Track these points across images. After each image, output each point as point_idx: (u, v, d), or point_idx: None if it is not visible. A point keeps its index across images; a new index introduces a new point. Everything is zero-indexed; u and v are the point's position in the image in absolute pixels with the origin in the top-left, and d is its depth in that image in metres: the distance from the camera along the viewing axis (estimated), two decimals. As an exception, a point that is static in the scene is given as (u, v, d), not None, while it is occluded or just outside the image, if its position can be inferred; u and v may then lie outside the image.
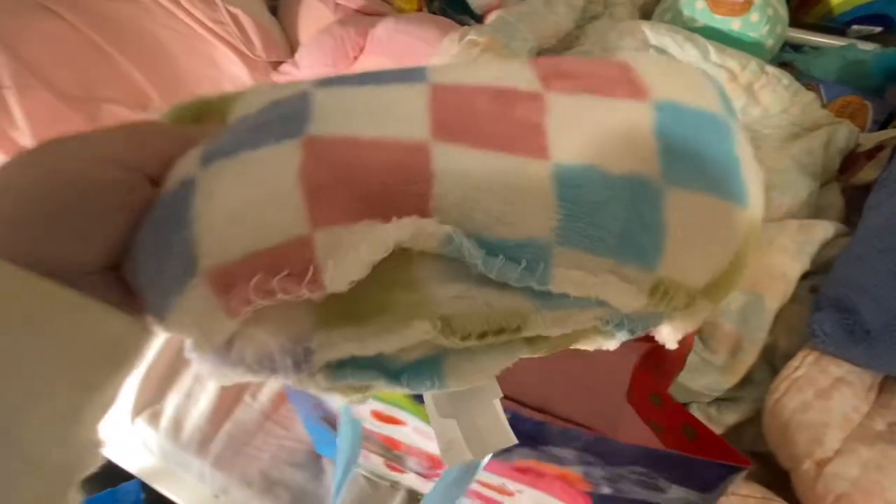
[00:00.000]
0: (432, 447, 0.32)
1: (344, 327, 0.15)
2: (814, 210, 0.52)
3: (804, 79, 0.65)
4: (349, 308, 0.15)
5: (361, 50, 0.67)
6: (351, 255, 0.14)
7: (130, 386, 0.50)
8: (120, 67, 0.58)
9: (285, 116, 0.16)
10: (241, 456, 0.47)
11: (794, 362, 0.40)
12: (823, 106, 0.62)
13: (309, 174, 0.15)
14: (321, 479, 0.46)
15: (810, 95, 0.61)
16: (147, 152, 0.16)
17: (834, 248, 0.46)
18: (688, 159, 0.16)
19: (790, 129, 0.60)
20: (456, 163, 0.15)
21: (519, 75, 0.18)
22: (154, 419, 0.49)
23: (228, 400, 0.50)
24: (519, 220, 0.15)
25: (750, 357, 0.43)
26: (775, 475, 0.41)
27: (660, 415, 0.30)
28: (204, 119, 0.19)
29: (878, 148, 0.55)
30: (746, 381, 0.44)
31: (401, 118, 0.16)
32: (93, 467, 0.16)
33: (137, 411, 0.50)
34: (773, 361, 0.45)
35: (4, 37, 0.52)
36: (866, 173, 0.54)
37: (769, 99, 0.61)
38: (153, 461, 0.51)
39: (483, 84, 0.17)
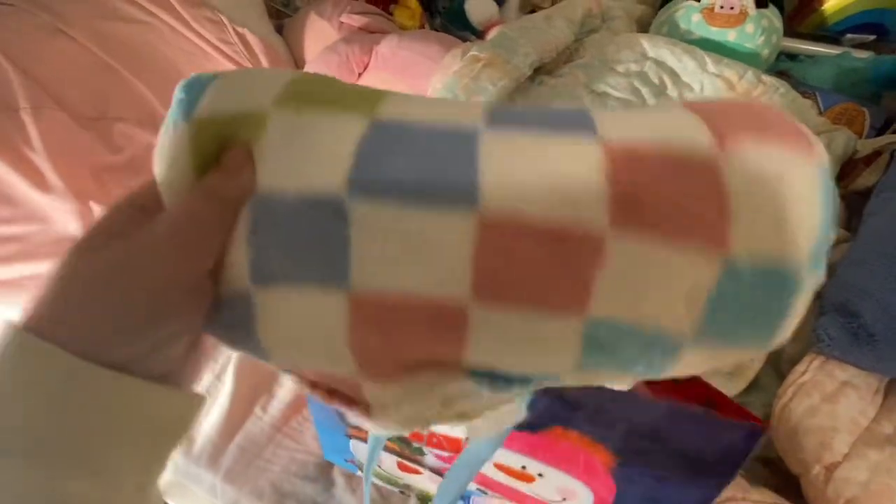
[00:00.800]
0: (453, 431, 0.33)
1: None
2: (815, 216, 0.53)
3: (801, 87, 0.66)
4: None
5: (366, 67, 0.68)
6: (393, 413, 0.17)
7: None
8: (131, 87, 0.59)
9: (324, 252, 0.16)
10: (252, 469, 0.47)
11: (801, 367, 0.40)
12: (820, 114, 0.63)
13: (356, 336, 0.16)
14: (332, 491, 0.46)
15: (807, 103, 0.61)
16: (201, 264, 0.17)
17: (835, 253, 0.46)
18: (729, 324, 0.16)
19: (788, 136, 0.61)
20: (493, 322, 0.16)
21: (588, 199, 0.15)
22: (166, 433, 0.50)
23: (239, 413, 0.51)
24: (543, 365, 0.17)
25: (756, 363, 0.43)
26: (785, 480, 0.41)
27: (677, 391, 0.30)
28: (227, 143, 0.18)
29: (876, 153, 0.56)
30: (753, 386, 0.44)
31: (441, 269, 0.15)
32: None
33: (149, 425, 0.50)
34: (779, 367, 0.45)
35: (20, 59, 0.53)
36: (865, 179, 0.54)
37: (767, 107, 0.62)
38: (164, 475, 0.51)
39: (540, 223, 0.15)
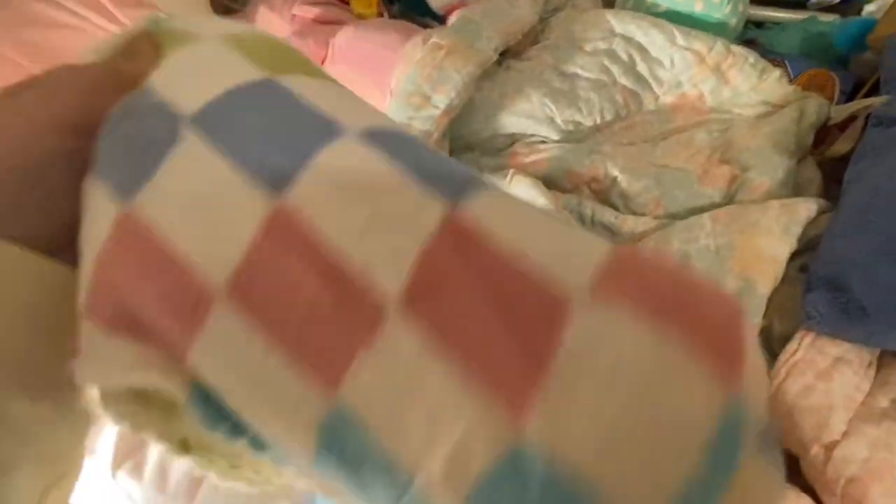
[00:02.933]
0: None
1: None
2: (793, 187, 0.52)
3: (769, 55, 0.65)
4: None
5: (323, 60, 0.65)
6: (91, 363, 0.14)
7: (110, 438, 0.47)
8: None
9: (139, 158, 0.14)
10: (232, 500, 0.45)
11: (792, 345, 0.39)
12: (791, 81, 0.62)
13: (104, 254, 0.14)
14: (320, 514, 0.44)
15: (777, 72, 0.60)
16: (97, 114, 0.15)
17: (818, 225, 0.45)
18: None
19: (761, 107, 0.60)
20: (231, 331, 0.13)
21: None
22: (137, 470, 0.46)
23: (215, 441, 0.48)
24: (268, 423, 0.13)
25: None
26: (785, 460, 0.40)
27: None
28: (138, 52, 0.17)
29: (851, 119, 0.55)
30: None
31: (215, 241, 0.13)
32: None
33: (118, 464, 0.47)
34: (770, 345, 0.44)
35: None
36: (840, 145, 0.54)
37: (738, 78, 0.61)
38: (140, 515, 0.48)
39: (334, 253, 0.13)
